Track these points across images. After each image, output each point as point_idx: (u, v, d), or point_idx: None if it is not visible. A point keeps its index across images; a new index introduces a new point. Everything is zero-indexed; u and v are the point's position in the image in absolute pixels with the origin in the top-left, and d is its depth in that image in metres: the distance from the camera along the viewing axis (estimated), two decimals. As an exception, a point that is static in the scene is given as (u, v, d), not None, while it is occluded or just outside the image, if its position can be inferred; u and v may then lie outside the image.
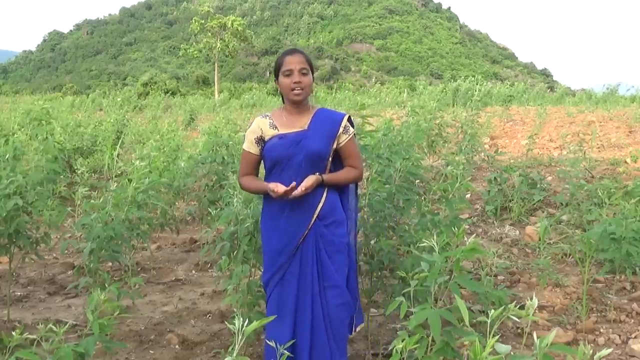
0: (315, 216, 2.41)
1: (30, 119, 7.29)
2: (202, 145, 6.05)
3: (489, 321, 1.48)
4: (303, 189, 2.31)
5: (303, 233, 2.41)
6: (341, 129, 2.48)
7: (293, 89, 2.40)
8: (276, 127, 2.46)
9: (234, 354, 1.47)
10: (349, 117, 2.55)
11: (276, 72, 2.47)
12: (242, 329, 1.48)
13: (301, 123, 2.46)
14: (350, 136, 2.51)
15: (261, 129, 2.47)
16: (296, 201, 2.37)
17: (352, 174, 2.52)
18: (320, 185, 2.40)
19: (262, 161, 2.54)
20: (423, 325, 1.95)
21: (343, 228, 2.48)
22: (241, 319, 1.50)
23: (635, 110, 14.81)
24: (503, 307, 1.54)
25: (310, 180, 2.34)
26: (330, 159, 2.48)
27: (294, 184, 2.30)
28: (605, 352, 1.32)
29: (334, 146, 2.47)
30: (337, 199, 2.50)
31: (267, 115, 2.51)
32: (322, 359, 2.43)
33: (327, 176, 2.43)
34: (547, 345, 1.36)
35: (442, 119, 9.28)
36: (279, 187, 2.29)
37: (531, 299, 1.51)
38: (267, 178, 2.49)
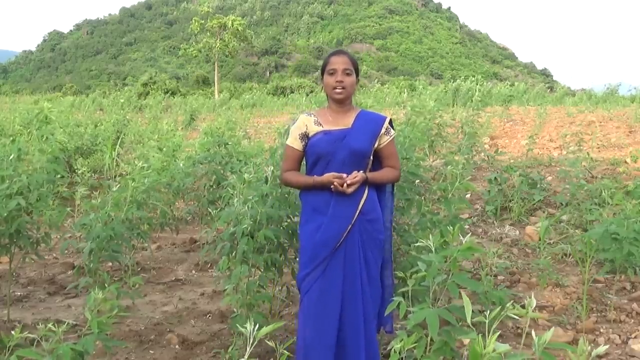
0: (358, 211, 2.48)
1: (35, 120, 7.29)
2: (199, 145, 6.04)
3: (487, 321, 1.48)
4: (349, 182, 2.39)
5: (347, 227, 2.47)
6: (383, 130, 2.58)
7: (335, 88, 2.51)
8: (320, 124, 2.56)
9: (245, 357, 1.47)
10: (390, 119, 2.64)
11: (322, 71, 2.58)
12: (253, 333, 1.48)
13: (345, 121, 2.56)
14: (391, 138, 2.62)
15: (306, 125, 2.57)
16: (340, 196, 2.45)
17: (392, 174, 2.62)
18: (362, 183, 2.48)
19: (304, 157, 2.62)
20: (422, 325, 1.95)
21: (380, 224, 2.57)
22: (253, 323, 1.50)
23: (635, 110, 14.77)
24: (501, 306, 1.54)
25: (358, 177, 2.42)
26: (371, 158, 2.57)
27: (344, 175, 2.41)
28: (602, 348, 1.33)
29: (375, 146, 2.55)
30: (376, 197, 2.58)
31: (312, 114, 2.61)
32: (372, 349, 2.49)
33: (370, 174, 2.53)
34: (545, 342, 1.37)
35: (442, 119, 9.28)
36: (336, 174, 2.40)
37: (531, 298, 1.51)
38: (310, 174, 2.57)
